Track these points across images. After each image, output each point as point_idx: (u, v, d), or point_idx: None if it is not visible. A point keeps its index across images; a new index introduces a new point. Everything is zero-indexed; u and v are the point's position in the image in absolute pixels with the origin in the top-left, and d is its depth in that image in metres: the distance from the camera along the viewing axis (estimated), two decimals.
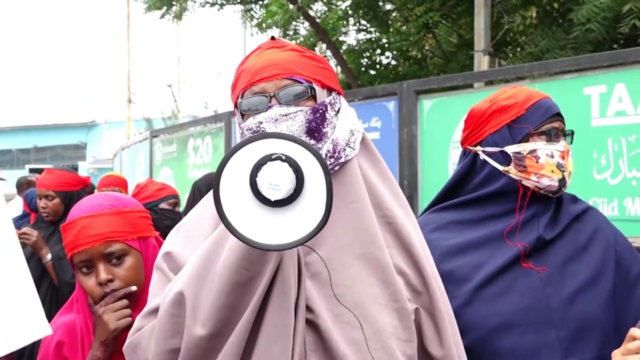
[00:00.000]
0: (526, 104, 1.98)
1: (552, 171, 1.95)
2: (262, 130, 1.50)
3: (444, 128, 5.20)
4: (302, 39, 10.83)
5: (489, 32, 7.60)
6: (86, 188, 4.42)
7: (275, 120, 1.50)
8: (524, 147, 1.96)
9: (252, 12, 10.14)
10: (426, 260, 1.60)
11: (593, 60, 4.52)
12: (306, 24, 10.53)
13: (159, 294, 1.52)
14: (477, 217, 2.01)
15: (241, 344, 1.38)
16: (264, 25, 10.48)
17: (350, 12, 10.47)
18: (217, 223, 1.54)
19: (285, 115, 1.50)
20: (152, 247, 2.01)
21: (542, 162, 1.95)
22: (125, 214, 1.97)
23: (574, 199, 2.08)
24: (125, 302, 1.90)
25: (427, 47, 10.85)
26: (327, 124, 1.54)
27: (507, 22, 8.55)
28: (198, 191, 4.40)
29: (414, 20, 9.49)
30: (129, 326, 1.87)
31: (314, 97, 1.55)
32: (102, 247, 1.91)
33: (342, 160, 1.54)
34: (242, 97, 1.57)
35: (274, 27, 10.46)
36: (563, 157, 1.97)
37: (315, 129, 1.53)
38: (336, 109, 1.58)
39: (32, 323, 1.41)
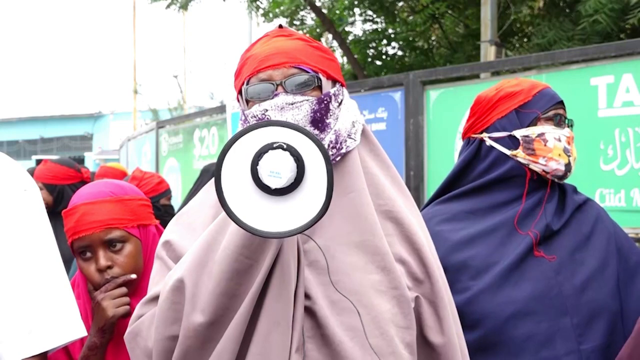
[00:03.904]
0: (532, 91, 2.03)
1: (559, 155, 1.99)
2: (267, 118, 1.51)
3: (450, 119, 5.19)
4: (308, 29, 10.81)
5: (496, 23, 7.57)
6: (85, 181, 4.37)
7: (281, 109, 1.50)
8: (532, 131, 1.99)
9: (258, 2, 10.11)
10: (428, 249, 1.60)
11: (600, 50, 4.50)
12: (312, 14, 10.51)
13: (159, 282, 1.53)
14: (484, 206, 2.03)
15: (241, 331, 1.39)
16: (270, 15, 10.47)
17: (356, 2, 10.44)
18: (216, 212, 1.55)
19: (292, 104, 1.51)
20: (151, 235, 2.03)
21: (550, 145, 1.98)
22: (125, 201, 1.98)
23: (575, 190, 2.11)
24: (124, 289, 1.91)
25: (433, 38, 10.83)
26: (331, 115, 1.55)
27: (514, 13, 8.52)
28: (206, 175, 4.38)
29: (421, 11, 9.47)
30: (127, 314, 1.89)
31: (319, 87, 1.56)
32: (102, 234, 1.92)
33: (344, 151, 1.55)
34: (247, 84, 1.57)
35: (280, 17, 10.44)
36: (569, 143, 2.01)
37: (320, 119, 1.53)
38: (339, 100, 1.58)
39: (67, 323, 1.42)
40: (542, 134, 1.99)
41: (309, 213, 1.26)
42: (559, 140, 2.00)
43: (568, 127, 2.05)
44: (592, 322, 1.90)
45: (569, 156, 2.00)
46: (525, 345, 1.86)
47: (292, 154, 1.24)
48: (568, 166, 2.00)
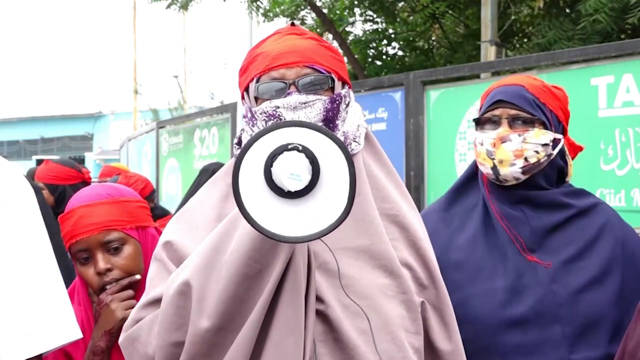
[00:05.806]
0: (486, 93, 2.02)
1: (484, 159, 1.94)
2: (279, 115, 1.47)
3: (450, 119, 5.18)
4: (308, 29, 10.79)
5: (496, 23, 7.57)
6: (86, 182, 4.38)
7: (294, 108, 1.48)
8: (474, 136, 2.01)
9: (258, 2, 10.10)
10: (432, 254, 1.58)
11: (600, 50, 4.50)
12: (313, 14, 10.50)
13: (159, 284, 1.48)
14: (470, 206, 2.01)
15: (253, 338, 1.35)
16: (270, 14, 10.46)
17: (356, 2, 10.43)
18: (220, 213, 1.53)
19: (304, 103, 1.48)
20: (150, 237, 2.00)
21: (479, 150, 1.96)
22: (123, 203, 1.96)
23: (580, 192, 2.02)
24: (131, 292, 1.89)
25: (433, 38, 10.82)
26: (340, 116, 1.53)
27: (514, 12, 8.51)
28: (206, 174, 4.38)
29: (421, 11, 9.47)
30: None
31: (332, 88, 1.54)
32: (100, 236, 1.89)
33: None
34: (257, 82, 1.53)
35: (280, 17, 10.44)
36: (494, 145, 1.92)
37: (331, 119, 1.51)
38: (347, 102, 1.56)
39: (63, 325, 1.42)
40: (474, 139, 1.99)
41: (329, 216, 1.21)
42: (482, 144, 1.95)
43: (528, 123, 1.91)
44: (588, 331, 1.83)
45: (492, 159, 1.91)
46: (514, 353, 1.81)
47: (307, 156, 1.20)
48: (495, 169, 1.92)
